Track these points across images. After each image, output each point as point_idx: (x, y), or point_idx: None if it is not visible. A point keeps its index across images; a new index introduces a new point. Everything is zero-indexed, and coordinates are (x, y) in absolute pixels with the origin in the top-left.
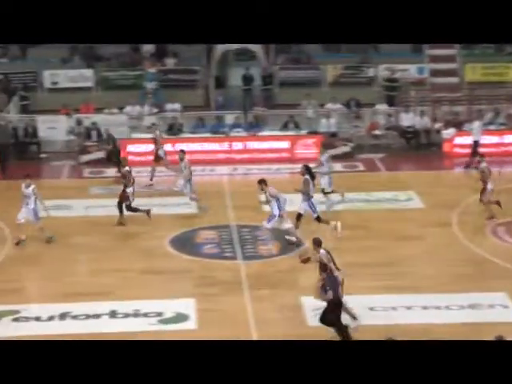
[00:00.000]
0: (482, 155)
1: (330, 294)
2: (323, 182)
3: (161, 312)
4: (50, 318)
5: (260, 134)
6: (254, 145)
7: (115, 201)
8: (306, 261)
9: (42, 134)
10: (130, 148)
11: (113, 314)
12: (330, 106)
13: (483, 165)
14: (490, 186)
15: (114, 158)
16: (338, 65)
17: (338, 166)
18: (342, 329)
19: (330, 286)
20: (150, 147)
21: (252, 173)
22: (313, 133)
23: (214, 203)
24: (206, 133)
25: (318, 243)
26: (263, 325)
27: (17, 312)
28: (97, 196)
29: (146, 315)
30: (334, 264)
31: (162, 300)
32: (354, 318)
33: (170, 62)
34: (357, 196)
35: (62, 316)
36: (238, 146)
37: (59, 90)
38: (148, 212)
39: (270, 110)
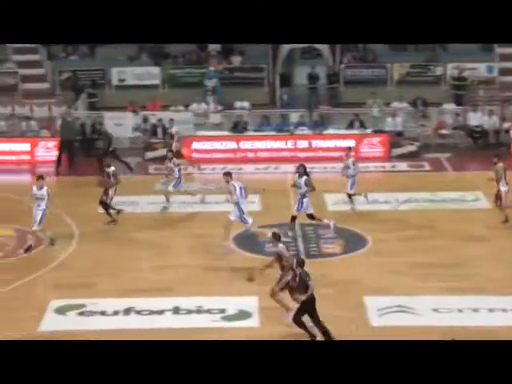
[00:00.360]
0: (497, 155)
1: (311, 288)
2: (348, 184)
3: (224, 309)
4: (115, 313)
5: (325, 132)
6: (318, 143)
7: (180, 197)
8: (251, 279)
9: (109, 131)
10: (195, 145)
11: (176, 310)
12: (395, 104)
13: (499, 165)
14: (503, 188)
15: (111, 157)
16: (404, 63)
17: (403, 166)
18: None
19: (307, 278)
20: (215, 145)
21: (316, 171)
22: (378, 132)
23: (278, 201)
24: (271, 131)
25: (277, 237)
26: (326, 324)
27: (82, 306)
28: (161, 193)
29: (208, 312)
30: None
31: (225, 297)
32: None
33: (236, 60)
34: (422, 196)
35: (127, 311)
36: (302, 144)
37: (126, 87)
38: (119, 211)
39: (335, 108)
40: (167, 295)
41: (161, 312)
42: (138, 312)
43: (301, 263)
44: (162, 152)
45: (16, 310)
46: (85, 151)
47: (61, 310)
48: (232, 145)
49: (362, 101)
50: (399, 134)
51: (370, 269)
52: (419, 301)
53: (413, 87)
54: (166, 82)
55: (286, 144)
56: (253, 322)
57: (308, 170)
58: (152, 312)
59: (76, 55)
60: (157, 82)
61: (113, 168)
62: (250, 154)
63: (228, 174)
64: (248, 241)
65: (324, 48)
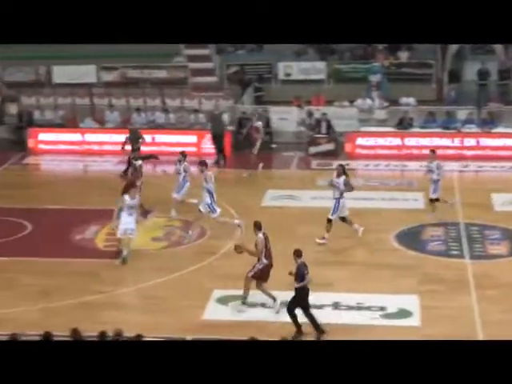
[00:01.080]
0: None
1: (307, 279)
2: (430, 189)
3: (384, 307)
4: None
5: (494, 130)
6: (487, 141)
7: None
8: (239, 250)
9: (273, 125)
10: (360, 141)
11: (336, 306)
12: None
13: None
14: None
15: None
16: None
17: None
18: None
19: (306, 271)
20: (379, 141)
21: (484, 170)
22: None
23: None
24: (437, 128)
25: (258, 227)
26: (490, 326)
27: (244, 297)
28: (323, 188)
29: (368, 309)
30: (269, 250)
31: (386, 295)
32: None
33: (404, 56)
34: None
35: (285, 304)
36: (470, 142)
37: (292, 81)
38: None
39: (505, 106)
40: (328, 290)
41: (320, 307)
42: None
43: (298, 253)
44: (325, 147)
45: (181, 298)
46: (250, 145)
47: (223, 300)
48: (396, 141)
49: None
50: None
51: None
52: None
53: None
54: (331, 77)
55: (453, 141)
56: (413, 321)
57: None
58: (312, 306)
59: (244, 50)
60: (322, 76)
61: (140, 162)
62: (415, 151)
63: (203, 164)
64: (411, 238)
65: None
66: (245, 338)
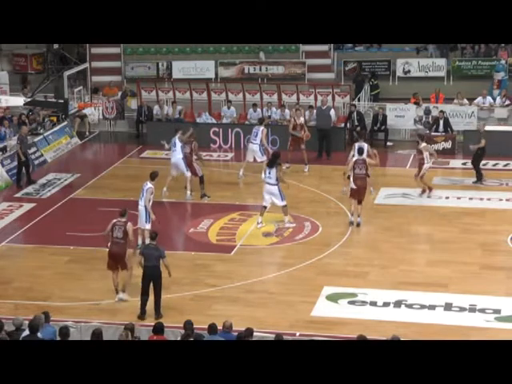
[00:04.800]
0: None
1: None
2: None
3: (498, 309)
4: (385, 304)
5: None
6: None
7: (458, 192)
8: None
9: (389, 122)
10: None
11: (448, 307)
12: None
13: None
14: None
15: None
16: None
17: None
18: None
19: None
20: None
21: None
22: None
23: None
24: None
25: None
26: None
27: (354, 295)
28: (439, 187)
29: (482, 311)
30: None
31: (501, 297)
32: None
33: None
34: None
35: (397, 303)
36: None
37: (410, 78)
38: None
39: None
40: (440, 291)
41: (432, 307)
42: (409, 305)
43: (152, 236)
44: (442, 145)
45: (291, 294)
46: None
47: (333, 298)
48: None
49: None
50: None
51: None
52: None
53: None
54: (451, 74)
55: None
56: None
57: None
58: (423, 306)
59: (362, 46)
60: (442, 74)
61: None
62: None
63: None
64: None
65: None
66: (353, 336)
